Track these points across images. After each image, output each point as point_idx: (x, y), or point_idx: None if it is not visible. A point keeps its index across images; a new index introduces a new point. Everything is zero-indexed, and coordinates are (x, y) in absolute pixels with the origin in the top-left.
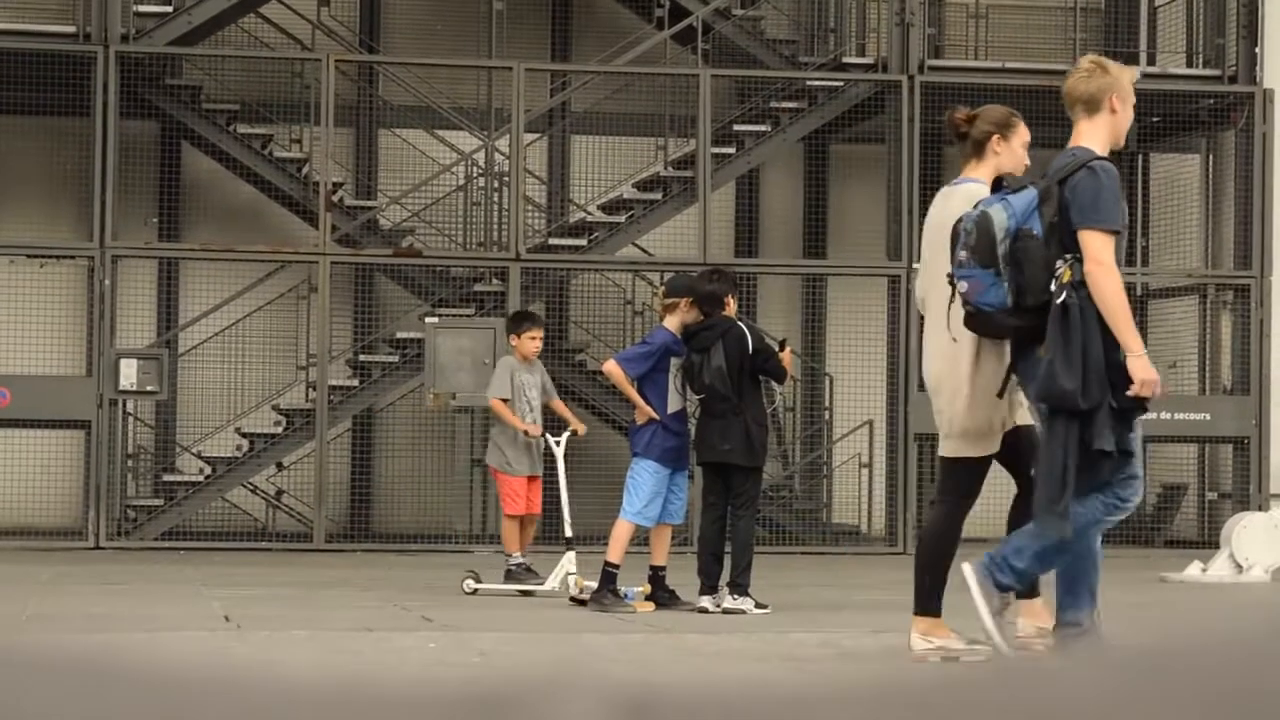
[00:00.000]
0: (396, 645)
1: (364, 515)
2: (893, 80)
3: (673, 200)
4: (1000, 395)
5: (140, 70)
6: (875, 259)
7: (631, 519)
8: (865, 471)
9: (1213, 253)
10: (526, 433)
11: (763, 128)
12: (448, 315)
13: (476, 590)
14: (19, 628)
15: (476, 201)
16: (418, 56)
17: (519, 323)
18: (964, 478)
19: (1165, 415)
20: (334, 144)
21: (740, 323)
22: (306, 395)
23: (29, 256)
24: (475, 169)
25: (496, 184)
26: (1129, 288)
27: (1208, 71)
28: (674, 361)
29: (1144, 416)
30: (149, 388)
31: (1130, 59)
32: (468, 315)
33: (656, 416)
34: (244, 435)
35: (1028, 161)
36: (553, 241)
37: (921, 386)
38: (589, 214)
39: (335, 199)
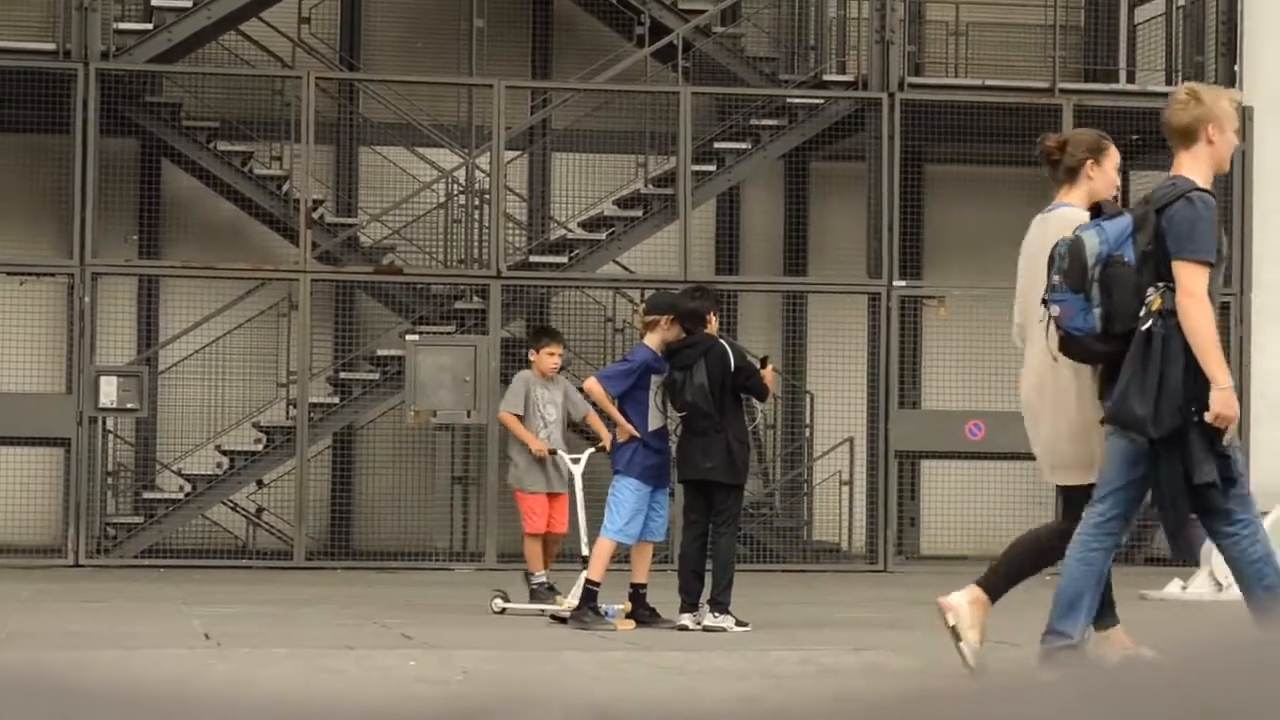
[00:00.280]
0: (377, 663)
1: (344, 533)
2: (873, 98)
3: (653, 217)
4: (1103, 422)
5: (120, 87)
6: (855, 276)
7: (613, 536)
8: (846, 489)
9: None
10: (537, 451)
11: (743, 145)
12: (428, 333)
13: (505, 610)
14: None
15: (457, 219)
16: (398, 74)
17: (538, 338)
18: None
19: None
20: (314, 161)
21: (722, 340)
22: (287, 413)
23: (8, 274)
24: (456, 186)
25: (477, 201)
26: None
27: None
28: (655, 379)
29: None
30: (129, 405)
31: (1110, 77)
32: (448, 333)
33: (638, 434)
34: (224, 453)
35: (1119, 182)
36: (533, 259)
37: (898, 404)
38: (570, 231)
39: (316, 216)
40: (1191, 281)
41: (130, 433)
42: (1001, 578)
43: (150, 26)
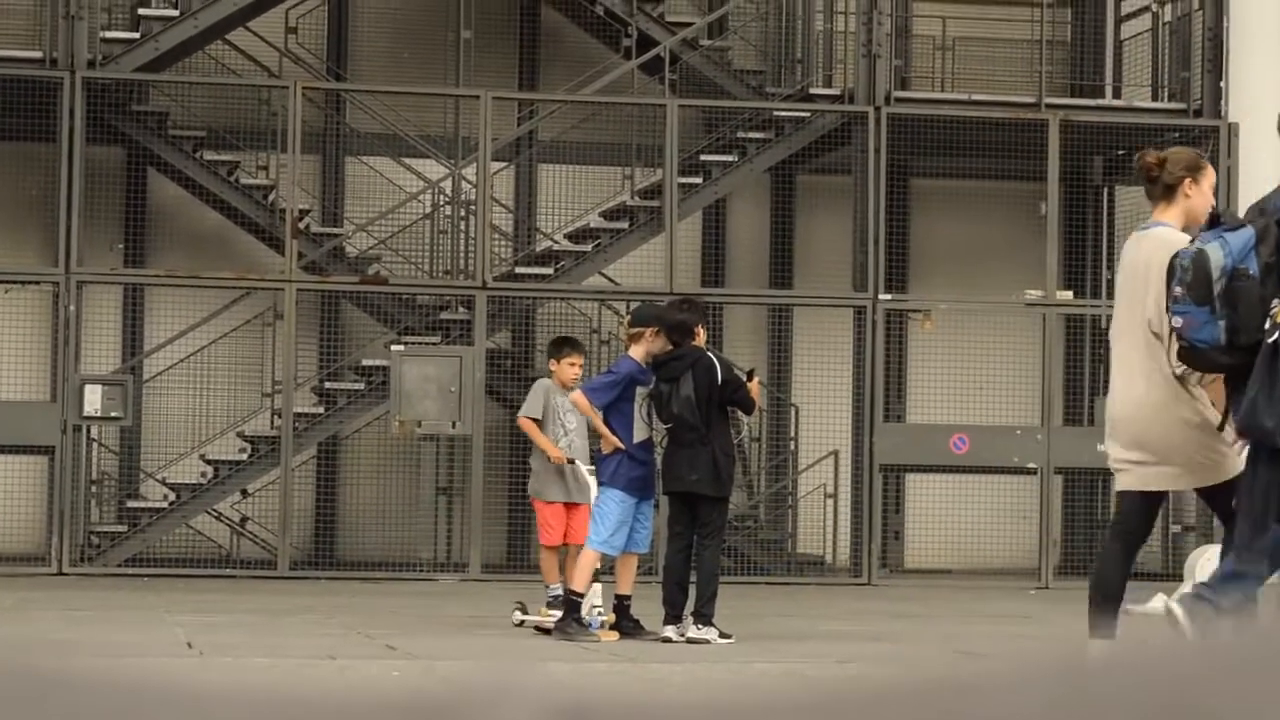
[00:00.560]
0: (360, 673)
1: (328, 542)
2: (859, 111)
3: (639, 230)
4: (1220, 429)
5: (107, 96)
6: (841, 289)
7: (597, 548)
8: (830, 502)
9: None
10: (554, 458)
11: (729, 158)
12: (413, 343)
13: (524, 622)
14: None
15: (443, 230)
16: (385, 84)
17: (559, 348)
18: (1222, 503)
19: None
20: (300, 171)
21: (709, 353)
22: (272, 422)
23: None
24: (442, 197)
25: (463, 212)
26: (1093, 320)
27: (1173, 105)
28: (640, 391)
29: None
30: (113, 414)
31: (1096, 92)
32: (433, 343)
33: (623, 446)
34: (209, 462)
35: (1214, 201)
36: (519, 270)
37: (883, 418)
38: (555, 243)
39: (301, 226)
40: None
41: (114, 441)
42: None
43: (137, 35)
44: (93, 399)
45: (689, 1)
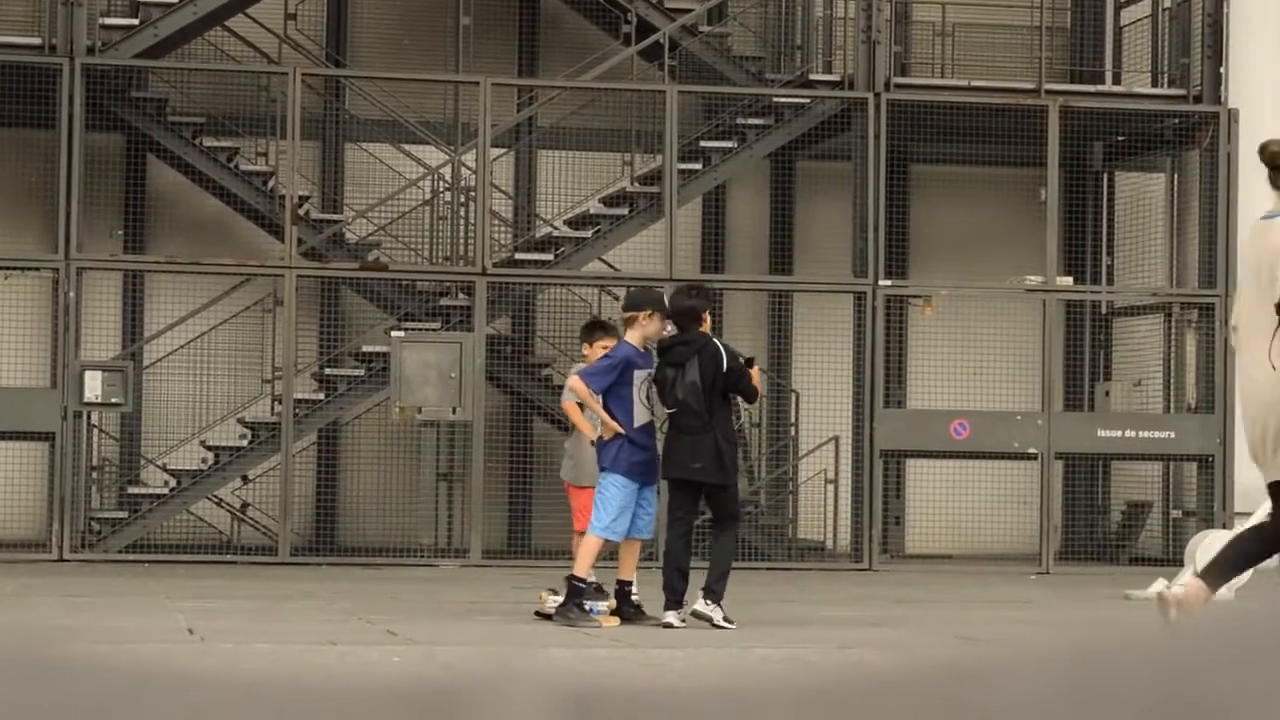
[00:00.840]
0: (361, 659)
1: (329, 529)
2: (859, 97)
3: (639, 216)
4: None
5: (106, 83)
6: (841, 275)
7: (600, 534)
8: (831, 487)
9: (1177, 271)
10: (592, 441)
11: (729, 144)
12: (414, 329)
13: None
14: None
15: (443, 216)
16: (384, 70)
17: (591, 331)
18: None
19: (1130, 433)
20: (300, 157)
21: (715, 340)
22: (272, 408)
23: None
24: (442, 183)
25: (463, 198)
26: (1093, 305)
27: (1173, 91)
28: (638, 375)
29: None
30: (114, 400)
31: (1096, 78)
32: (434, 329)
33: (623, 431)
34: (209, 448)
35: None
36: (519, 256)
37: (883, 404)
38: (555, 229)
39: (301, 212)
40: None
41: (115, 427)
42: (1225, 567)
43: (136, 22)
44: (93, 385)
45: None
